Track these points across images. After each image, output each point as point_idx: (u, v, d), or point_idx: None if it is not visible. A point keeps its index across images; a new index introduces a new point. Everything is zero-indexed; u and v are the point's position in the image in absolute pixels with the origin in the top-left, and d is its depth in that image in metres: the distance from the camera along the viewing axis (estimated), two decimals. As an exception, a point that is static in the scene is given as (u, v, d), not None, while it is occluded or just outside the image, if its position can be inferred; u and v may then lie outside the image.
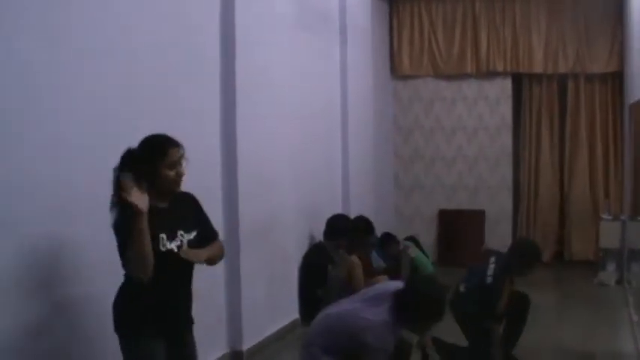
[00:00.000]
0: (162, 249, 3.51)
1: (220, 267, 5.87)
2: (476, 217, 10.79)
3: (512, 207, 10.83)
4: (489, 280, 5.65)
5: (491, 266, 5.75)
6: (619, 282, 9.18)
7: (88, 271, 4.23)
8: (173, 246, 3.57)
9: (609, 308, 8.06)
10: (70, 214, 4.12)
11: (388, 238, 8.67)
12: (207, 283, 5.65)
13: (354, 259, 7.32)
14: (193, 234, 3.71)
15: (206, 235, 3.85)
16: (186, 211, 3.76)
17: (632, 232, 9.12)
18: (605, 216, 9.66)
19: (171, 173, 3.55)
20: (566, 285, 9.27)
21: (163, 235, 3.52)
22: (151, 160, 3.49)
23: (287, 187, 6.95)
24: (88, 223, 4.17)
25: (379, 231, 8.85)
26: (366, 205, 8.99)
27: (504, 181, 10.80)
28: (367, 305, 4.32)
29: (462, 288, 5.88)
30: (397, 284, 4.45)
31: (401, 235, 9.14)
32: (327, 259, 7.37)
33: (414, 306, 4.21)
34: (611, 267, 9.40)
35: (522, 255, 5.75)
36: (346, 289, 7.15)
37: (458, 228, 10.80)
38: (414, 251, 8.58)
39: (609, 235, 9.40)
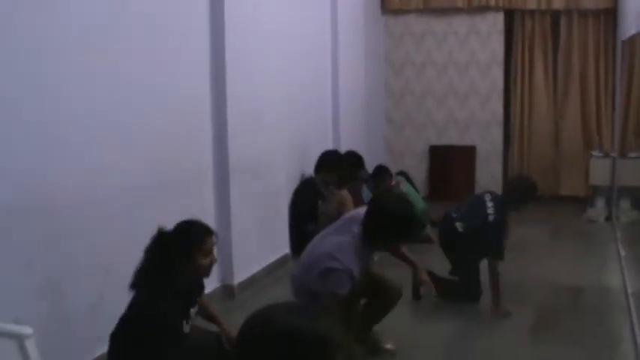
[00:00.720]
0: (186, 330, 3.55)
1: (210, 203, 5.91)
2: (467, 153, 10.81)
3: (503, 143, 10.81)
4: (492, 217, 5.69)
5: (489, 204, 5.78)
6: (608, 218, 9.25)
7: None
8: (187, 329, 3.59)
9: (598, 244, 8.12)
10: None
11: (381, 170, 8.63)
12: (197, 216, 5.70)
13: (344, 193, 7.33)
14: (196, 306, 3.80)
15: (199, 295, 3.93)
16: (193, 285, 3.78)
17: (621, 169, 9.15)
18: (595, 153, 9.67)
19: (206, 261, 3.56)
20: (555, 221, 9.31)
21: (184, 323, 3.55)
22: (187, 249, 3.49)
23: (277, 124, 6.90)
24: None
25: (370, 167, 8.84)
26: (356, 140, 8.97)
27: (495, 116, 10.76)
28: (336, 232, 4.31)
29: (460, 228, 5.90)
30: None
31: (392, 171, 9.13)
32: (317, 194, 7.38)
33: (382, 224, 4.15)
34: (600, 204, 9.46)
35: (521, 191, 5.81)
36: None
37: (448, 164, 10.82)
38: (404, 186, 8.58)
39: (599, 172, 9.44)
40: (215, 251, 3.64)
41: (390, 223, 4.13)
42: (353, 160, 8.10)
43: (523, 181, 6.26)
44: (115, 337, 3.47)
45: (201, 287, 3.85)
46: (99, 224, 4.44)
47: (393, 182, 8.56)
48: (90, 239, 4.35)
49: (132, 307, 3.43)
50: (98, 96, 4.42)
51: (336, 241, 4.19)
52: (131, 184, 4.78)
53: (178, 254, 3.46)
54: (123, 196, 4.68)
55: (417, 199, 8.59)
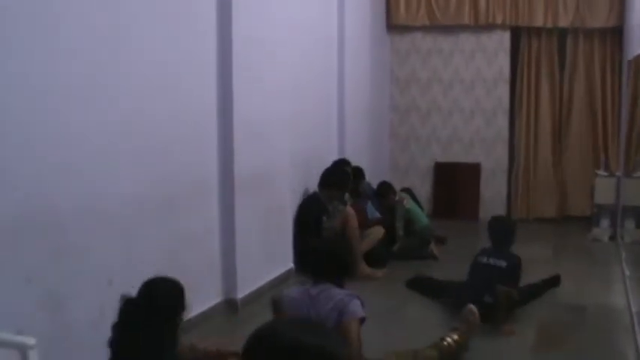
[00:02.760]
0: None
1: (215, 216, 5.90)
2: (471, 170, 10.78)
3: (508, 161, 10.80)
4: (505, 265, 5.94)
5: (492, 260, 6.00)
6: (612, 238, 9.22)
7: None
8: None
9: (602, 263, 8.10)
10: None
11: (385, 187, 8.64)
12: (201, 232, 5.71)
13: (349, 209, 7.33)
14: None
15: None
16: None
17: (626, 188, 9.15)
18: (600, 172, 9.67)
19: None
20: (559, 239, 9.30)
21: None
22: (175, 311, 3.40)
23: (283, 139, 6.91)
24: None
25: (375, 183, 8.85)
26: (361, 156, 8.97)
27: (500, 134, 10.75)
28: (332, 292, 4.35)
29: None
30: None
31: (396, 187, 9.13)
32: (321, 210, 7.38)
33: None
34: (605, 223, 9.43)
35: (509, 232, 6.21)
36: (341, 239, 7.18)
37: (453, 181, 10.80)
38: (408, 202, 8.57)
39: (604, 191, 9.42)
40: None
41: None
42: (353, 172, 8.13)
43: (505, 222, 6.48)
44: None
45: None
46: (102, 238, 4.44)
47: (397, 198, 8.55)
48: (93, 253, 4.35)
49: None
50: (102, 109, 4.43)
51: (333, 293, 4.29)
52: (135, 198, 4.78)
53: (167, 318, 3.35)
54: (126, 210, 4.69)
55: (421, 216, 8.59)
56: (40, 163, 3.92)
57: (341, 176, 7.65)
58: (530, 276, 7.02)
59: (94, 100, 4.34)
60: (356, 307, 4.15)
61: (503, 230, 6.21)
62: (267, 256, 6.65)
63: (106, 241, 4.49)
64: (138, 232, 4.83)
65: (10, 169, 3.74)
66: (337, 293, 4.21)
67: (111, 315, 3.17)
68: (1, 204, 3.68)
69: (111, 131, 4.49)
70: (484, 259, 6.03)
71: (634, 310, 6.01)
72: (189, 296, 3.43)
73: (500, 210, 10.62)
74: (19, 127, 3.79)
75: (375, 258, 7.53)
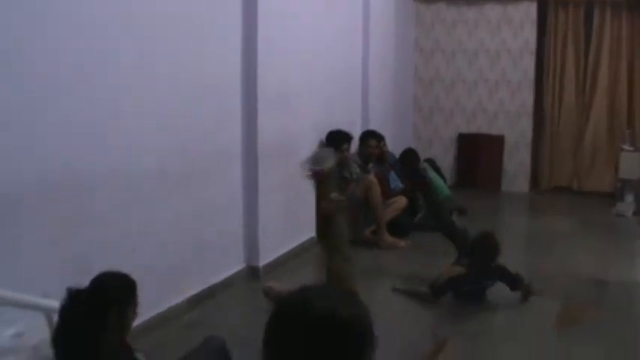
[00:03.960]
0: None
1: (238, 185, 5.92)
2: (495, 142, 10.71)
3: (532, 133, 10.72)
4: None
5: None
6: (636, 213, 9.16)
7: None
8: None
9: (625, 238, 8.05)
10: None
11: (409, 154, 8.57)
12: (224, 200, 5.73)
13: (372, 178, 7.32)
14: None
15: None
16: None
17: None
18: (626, 147, 9.58)
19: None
20: (583, 214, 9.24)
21: None
22: (125, 304, 3.10)
23: (306, 108, 6.91)
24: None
25: (398, 154, 8.83)
26: (385, 127, 8.91)
27: (525, 106, 10.66)
28: None
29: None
30: None
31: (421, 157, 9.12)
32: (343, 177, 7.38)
33: None
34: (629, 198, 9.36)
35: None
36: (363, 209, 7.20)
37: (476, 152, 10.75)
38: (430, 173, 8.56)
39: (629, 166, 9.34)
40: None
41: None
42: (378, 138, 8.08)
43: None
44: None
45: None
46: (127, 205, 4.48)
47: (422, 166, 8.54)
48: (118, 219, 4.39)
49: None
50: (127, 77, 4.44)
51: None
52: (159, 165, 4.81)
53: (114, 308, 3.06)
54: (150, 178, 4.72)
55: (443, 187, 8.57)
56: (65, 128, 3.94)
57: (335, 134, 7.53)
58: (555, 249, 7.03)
59: (121, 66, 4.35)
60: None
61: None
62: (290, 225, 6.67)
63: (130, 209, 4.52)
64: (161, 199, 4.85)
65: (36, 134, 3.76)
66: None
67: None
68: (27, 169, 3.71)
69: (135, 98, 4.50)
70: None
71: (657, 285, 6.00)
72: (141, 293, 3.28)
73: (524, 182, 10.59)
74: (46, 92, 3.80)
75: (397, 227, 7.52)
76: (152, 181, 4.72)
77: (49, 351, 2.85)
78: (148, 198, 4.69)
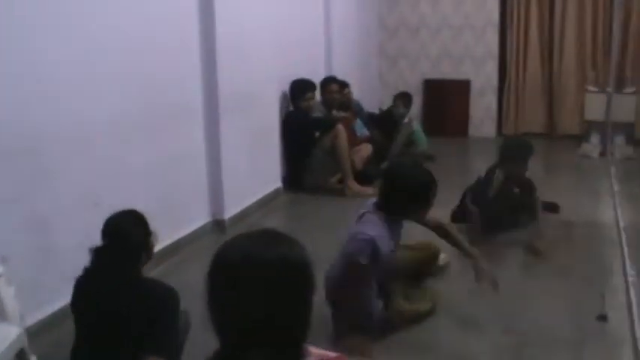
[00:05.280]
0: None
1: (200, 138, 5.85)
2: (461, 87, 10.71)
3: (498, 77, 10.69)
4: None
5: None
6: (602, 154, 9.20)
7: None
8: None
9: (592, 179, 8.08)
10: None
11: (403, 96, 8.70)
12: (187, 154, 5.65)
13: (339, 126, 7.27)
14: None
15: None
16: None
17: (616, 104, 9.10)
18: (591, 88, 9.59)
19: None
20: (550, 157, 9.28)
21: None
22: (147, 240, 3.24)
23: (268, 59, 6.78)
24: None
25: (364, 101, 8.80)
26: (350, 74, 8.83)
27: (490, 50, 10.63)
28: (361, 225, 4.05)
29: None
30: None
31: (386, 105, 9.09)
32: (309, 124, 7.34)
33: (401, 192, 3.99)
34: (595, 139, 9.41)
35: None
36: (330, 157, 7.16)
37: (442, 98, 10.73)
38: (416, 125, 8.58)
39: (594, 107, 9.40)
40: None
41: (408, 192, 3.98)
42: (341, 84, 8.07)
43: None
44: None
45: None
46: (86, 161, 4.40)
47: (406, 120, 8.53)
48: (77, 175, 4.31)
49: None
50: (84, 30, 4.32)
51: (360, 225, 4.03)
52: (118, 119, 4.70)
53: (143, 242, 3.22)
54: (110, 132, 4.62)
55: (423, 141, 8.65)
56: (16, 90, 3.83)
57: (298, 83, 7.48)
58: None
59: (68, 24, 4.22)
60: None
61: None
62: (255, 177, 6.62)
63: (90, 164, 4.44)
64: (122, 154, 4.77)
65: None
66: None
67: (97, 237, 3.12)
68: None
69: (86, 54, 4.37)
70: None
71: (622, 224, 6.04)
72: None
73: (491, 127, 10.60)
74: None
75: (364, 175, 7.50)
76: (111, 137, 4.62)
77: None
78: (108, 153, 4.60)
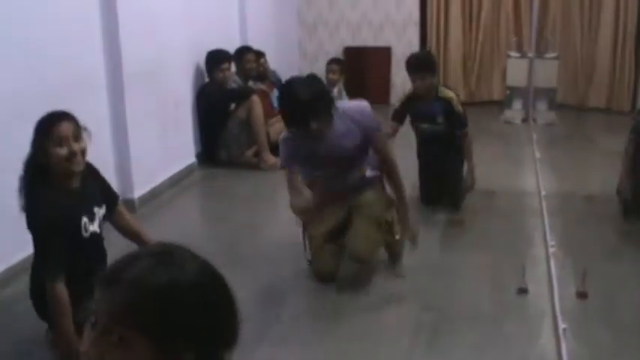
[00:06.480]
0: (86, 234, 3.33)
1: (104, 113, 5.54)
2: (382, 54, 10.56)
3: (419, 44, 10.55)
4: None
5: None
6: (524, 120, 9.18)
7: None
8: (95, 227, 3.40)
9: (514, 146, 8.05)
10: None
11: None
12: (91, 130, 5.33)
13: (254, 97, 7.05)
14: (103, 207, 3.53)
15: (109, 202, 3.69)
16: (94, 185, 3.55)
17: (538, 70, 9.07)
18: (512, 53, 9.53)
19: (62, 151, 3.23)
20: (471, 123, 9.17)
21: (85, 219, 3.34)
22: (38, 141, 3.26)
23: (176, 25, 6.42)
24: None
25: (282, 71, 8.57)
26: (266, 42, 8.56)
27: (411, 17, 10.48)
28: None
29: None
30: None
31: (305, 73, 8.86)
32: (225, 96, 7.10)
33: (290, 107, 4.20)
34: (517, 105, 9.36)
35: None
36: (246, 128, 6.96)
37: (363, 65, 10.54)
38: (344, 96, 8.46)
39: (516, 72, 9.36)
40: (83, 142, 3.35)
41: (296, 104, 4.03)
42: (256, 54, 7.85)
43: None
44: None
45: (94, 195, 3.54)
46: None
47: (336, 90, 8.32)
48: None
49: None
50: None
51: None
52: (10, 93, 4.36)
53: (34, 149, 3.30)
54: (4, 106, 4.29)
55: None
56: None
57: (213, 54, 7.22)
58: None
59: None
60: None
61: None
62: (166, 153, 6.33)
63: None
64: (17, 130, 4.43)
65: None
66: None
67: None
68: None
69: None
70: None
71: (543, 192, 5.98)
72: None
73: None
74: None
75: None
76: (6, 115, 4.30)
77: None
78: (3, 133, 4.28)
